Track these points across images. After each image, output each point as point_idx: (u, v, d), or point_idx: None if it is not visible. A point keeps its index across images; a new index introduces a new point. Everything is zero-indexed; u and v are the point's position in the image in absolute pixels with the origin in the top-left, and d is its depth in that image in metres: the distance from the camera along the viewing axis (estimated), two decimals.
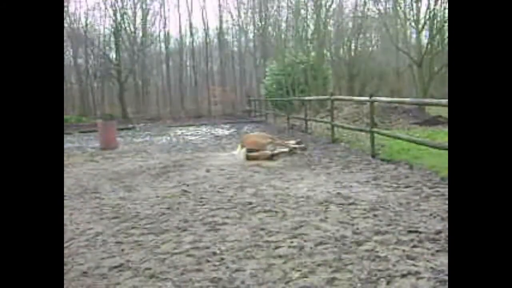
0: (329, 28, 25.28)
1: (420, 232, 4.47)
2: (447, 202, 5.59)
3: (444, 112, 17.04)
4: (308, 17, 23.69)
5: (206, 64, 37.81)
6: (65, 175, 9.32)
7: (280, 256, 4.06)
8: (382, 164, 8.65)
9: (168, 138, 17.24)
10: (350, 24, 25.69)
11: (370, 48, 24.83)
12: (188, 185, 7.57)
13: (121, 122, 28.77)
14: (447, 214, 5.02)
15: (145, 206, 6.30)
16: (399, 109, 16.93)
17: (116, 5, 32.14)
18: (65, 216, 5.91)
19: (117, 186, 7.91)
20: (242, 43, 38.78)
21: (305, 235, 4.60)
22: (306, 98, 17.26)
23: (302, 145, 11.07)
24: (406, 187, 6.62)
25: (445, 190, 6.22)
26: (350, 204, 5.75)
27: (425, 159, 8.51)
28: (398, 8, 18.73)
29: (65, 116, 30.10)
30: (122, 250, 4.56)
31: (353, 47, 24.98)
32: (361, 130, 11.06)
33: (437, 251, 3.96)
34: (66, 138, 19.48)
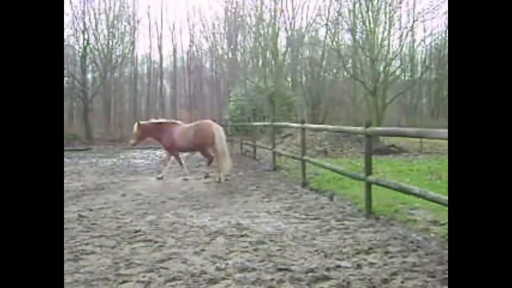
0: (286, 56, 25.39)
1: (290, 271, 4.07)
2: (344, 236, 5.26)
3: (397, 141, 16.99)
4: (268, 44, 23.70)
5: (174, 87, 37.55)
6: None
7: None
8: (307, 194, 8.31)
9: (115, 160, 16.67)
10: (308, 53, 25.88)
11: (330, 77, 24.91)
12: (91, 210, 7.09)
13: (83, 143, 28.18)
14: (334, 250, 4.67)
15: None
16: (352, 137, 16.74)
17: (85, 24, 31.77)
18: None
19: None
20: (213, 67, 38.75)
21: (165, 269, 4.16)
22: (255, 124, 17.01)
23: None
24: (315, 219, 6.26)
25: (349, 223, 5.90)
26: (241, 236, 5.35)
27: (351, 189, 8.19)
28: (354, 38, 18.86)
29: None
30: None
31: (313, 76, 25.06)
32: (294, 158, 10.74)
33: None
34: None
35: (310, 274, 3.96)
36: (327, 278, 3.87)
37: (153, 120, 11.82)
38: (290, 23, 25.45)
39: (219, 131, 10.52)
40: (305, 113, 23.57)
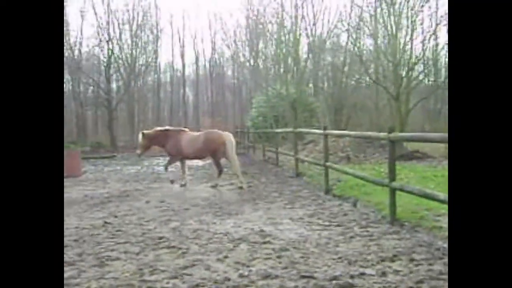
0: (307, 63, 25.35)
1: (313, 278, 4.04)
2: (368, 243, 5.20)
3: (421, 147, 16.73)
4: (289, 51, 23.73)
5: (197, 95, 37.89)
6: None
7: None
8: (330, 200, 8.25)
9: (139, 167, 16.90)
10: (329, 59, 25.77)
11: (352, 82, 24.74)
12: (116, 217, 7.20)
13: (107, 151, 28.63)
14: (358, 258, 4.62)
15: None
16: (375, 143, 16.57)
17: (110, 35, 32.41)
18: None
19: None
20: (235, 75, 38.96)
21: (188, 275, 4.19)
22: (277, 130, 17.00)
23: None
24: (338, 225, 6.21)
25: (374, 230, 5.83)
26: (264, 243, 5.34)
27: (375, 195, 8.09)
28: (376, 43, 18.70)
29: None
30: None
31: (335, 82, 24.95)
32: (316, 164, 10.69)
33: None
34: None
35: (334, 282, 3.92)
36: (351, 286, 3.83)
37: (158, 128, 11.93)
38: (311, 29, 25.45)
39: (230, 139, 10.66)
40: (327, 119, 23.44)
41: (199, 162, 18.70)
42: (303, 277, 4.08)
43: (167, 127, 12.13)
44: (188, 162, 18.35)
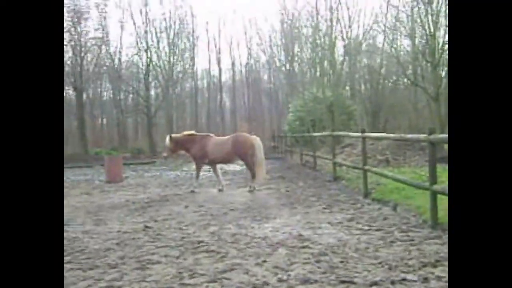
0: (344, 65, 25.09)
1: (353, 283, 3.99)
2: (410, 248, 5.09)
3: None
4: (325, 54, 23.57)
5: (233, 100, 38.18)
6: None
7: None
8: (369, 204, 8.13)
9: (178, 173, 17.17)
10: (366, 61, 25.43)
11: (390, 84, 24.29)
12: (156, 221, 7.34)
13: (147, 156, 29.27)
14: (399, 263, 4.53)
15: (98, 241, 6.10)
16: (415, 145, 16.19)
17: (148, 43, 33.19)
18: None
19: (90, 219, 7.77)
20: (271, 79, 39.04)
21: (227, 279, 4.22)
22: (314, 134, 16.89)
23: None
24: (377, 230, 6.11)
25: (415, 235, 5.70)
26: (302, 247, 5.32)
27: (416, 199, 7.89)
28: (413, 43, 18.32)
29: (96, 150, 30.98)
30: None
31: (372, 84, 24.59)
32: (355, 167, 10.54)
33: None
34: (84, 170, 19.89)
35: (374, 287, 3.86)
36: None
37: (185, 133, 12.12)
38: (347, 32, 25.25)
39: (257, 142, 10.89)
40: (365, 122, 23.15)
41: (236, 167, 18.86)
42: (343, 282, 4.04)
43: (193, 132, 12.35)
44: (225, 167, 18.57)
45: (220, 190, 10.72)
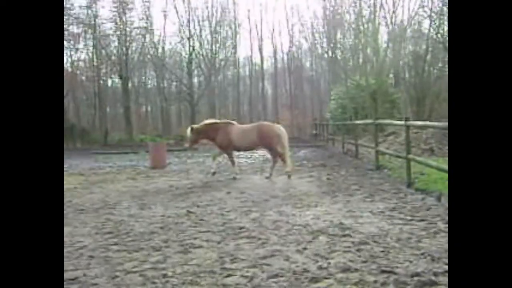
0: (387, 52, 24.42)
1: (394, 273, 3.95)
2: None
3: None
4: (368, 41, 23.05)
5: (275, 88, 38.10)
6: (97, 191, 9.72)
7: (223, 285, 3.81)
8: (412, 194, 7.97)
9: (220, 159, 17.33)
10: (411, 47, 24.64)
11: (435, 71, 23.48)
12: (198, 206, 7.50)
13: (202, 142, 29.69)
14: (442, 254, 4.44)
15: (143, 224, 6.30)
16: None
17: (190, 32, 33.58)
18: (67, 229, 6.14)
19: (135, 203, 8.02)
20: (313, 66, 38.65)
21: (267, 265, 4.27)
22: (356, 122, 16.63)
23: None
24: (421, 220, 5.99)
25: None
26: (343, 235, 5.30)
27: None
28: None
29: (141, 136, 31.81)
30: (89, 264, 4.60)
31: (417, 71, 23.83)
32: (398, 156, 10.33)
33: None
34: (130, 156, 20.48)
35: (416, 278, 3.81)
36: (434, 284, 3.69)
37: (206, 122, 12.18)
38: (391, 17, 24.56)
39: (282, 131, 10.95)
40: (409, 110, 22.55)
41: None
42: (384, 271, 4.01)
43: (215, 120, 12.42)
44: (266, 154, 18.64)
45: (234, 178, 10.94)
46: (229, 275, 4.05)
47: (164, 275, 4.10)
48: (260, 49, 38.58)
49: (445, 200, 7.16)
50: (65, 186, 10.57)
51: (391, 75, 26.34)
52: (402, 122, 9.40)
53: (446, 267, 4.06)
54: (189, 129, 11.81)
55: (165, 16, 34.91)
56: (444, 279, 3.77)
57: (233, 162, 11.52)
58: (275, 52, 38.99)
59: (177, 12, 33.87)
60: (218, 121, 12.39)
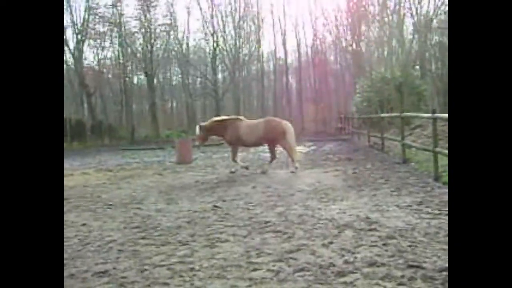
0: (413, 44, 23.96)
1: (422, 268, 3.91)
2: None
3: None
4: (393, 32, 22.66)
5: (299, 82, 37.92)
6: (125, 186, 9.90)
7: (250, 279, 3.83)
8: (439, 188, 7.83)
9: (245, 154, 17.42)
10: (437, 38, 24.12)
11: None
12: (224, 201, 7.56)
13: (216, 139, 29.95)
14: None
15: (170, 219, 6.40)
16: None
17: (214, 28, 33.71)
18: (97, 223, 6.33)
19: (162, 198, 8.14)
20: (337, 60, 38.29)
21: (294, 259, 4.28)
22: (382, 115, 16.42)
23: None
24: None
25: None
26: (369, 230, 5.26)
27: None
28: None
29: (167, 132, 32.17)
30: (118, 258, 4.69)
31: (444, 62, 23.32)
32: (425, 150, 10.16)
33: None
34: (156, 152, 20.77)
35: (444, 273, 3.75)
36: None
37: (214, 119, 12.27)
38: (416, 8, 24.10)
39: (289, 127, 11.05)
40: (436, 102, 22.13)
41: (302, 149, 18.84)
42: (411, 266, 3.97)
43: (223, 117, 12.45)
44: (296, 149, 18.58)
45: (231, 173, 11.12)
46: (255, 269, 4.08)
47: (191, 269, 4.16)
48: (284, 43, 38.43)
49: None
50: (94, 182, 10.82)
51: (417, 67, 25.87)
52: (429, 115, 9.24)
53: None
54: (198, 127, 11.91)
55: (188, 12, 35.19)
56: None
57: (234, 157, 11.61)
58: (298, 46, 38.78)
59: (200, 8, 34.10)
60: (226, 117, 12.41)
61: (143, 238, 5.41)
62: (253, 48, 35.80)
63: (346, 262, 4.14)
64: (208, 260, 4.40)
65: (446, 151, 9.47)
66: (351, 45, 30.61)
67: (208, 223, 6.02)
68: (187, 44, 36.29)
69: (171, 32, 34.10)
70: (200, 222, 6.11)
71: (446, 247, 4.48)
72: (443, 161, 9.35)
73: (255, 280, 3.81)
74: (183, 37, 35.65)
